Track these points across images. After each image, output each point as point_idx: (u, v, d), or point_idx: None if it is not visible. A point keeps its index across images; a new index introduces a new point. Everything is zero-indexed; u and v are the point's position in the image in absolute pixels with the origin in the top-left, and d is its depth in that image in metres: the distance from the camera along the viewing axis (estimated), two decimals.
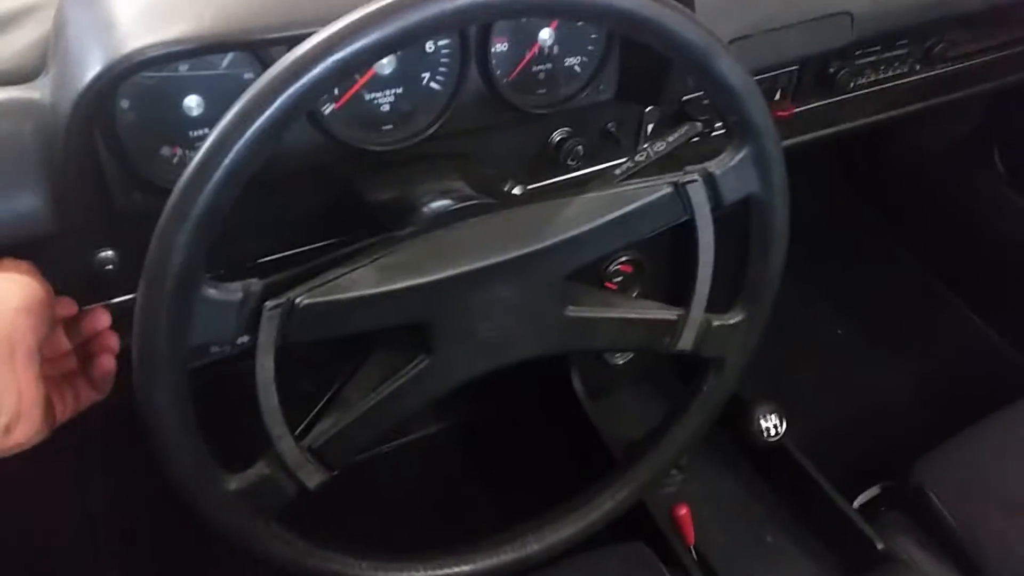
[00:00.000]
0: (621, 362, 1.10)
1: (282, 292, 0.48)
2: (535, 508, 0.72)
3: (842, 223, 1.60)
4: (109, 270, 0.59)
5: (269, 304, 0.47)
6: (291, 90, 0.41)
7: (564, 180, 0.76)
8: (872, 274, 1.55)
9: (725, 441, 1.10)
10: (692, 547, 1.00)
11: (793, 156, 0.85)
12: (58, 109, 0.50)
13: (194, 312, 0.45)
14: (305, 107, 0.43)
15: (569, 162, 0.74)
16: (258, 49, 0.54)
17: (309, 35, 0.44)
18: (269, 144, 0.42)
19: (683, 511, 0.99)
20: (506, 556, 0.64)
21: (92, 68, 0.48)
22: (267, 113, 0.42)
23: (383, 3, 0.42)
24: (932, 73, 0.99)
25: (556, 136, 0.73)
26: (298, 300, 0.48)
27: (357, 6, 0.44)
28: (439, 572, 0.61)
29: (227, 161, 0.41)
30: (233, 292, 0.46)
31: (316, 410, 0.54)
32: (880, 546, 0.96)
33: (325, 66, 0.42)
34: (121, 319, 0.63)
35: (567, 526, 0.67)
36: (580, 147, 0.74)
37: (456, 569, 0.62)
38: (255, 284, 0.47)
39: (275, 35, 0.53)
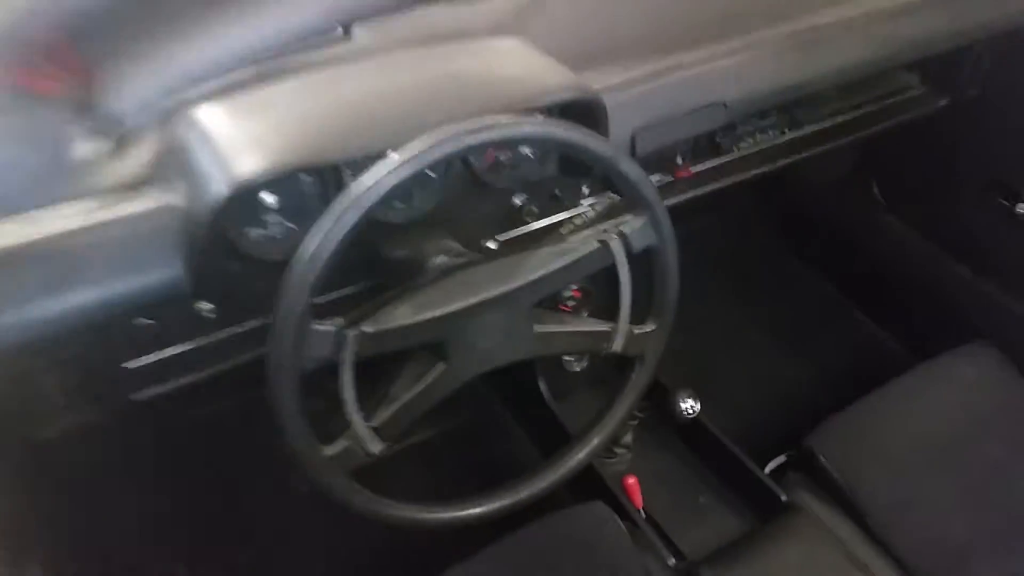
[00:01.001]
0: (578, 369, 1.34)
1: (354, 325, 0.72)
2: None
3: (755, 247, 1.87)
4: (210, 316, 0.84)
5: (350, 332, 0.72)
6: (367, 202, 0.66)
7: (525, 232, 1.00)
8: (779, 286, 1.82)
9: (660, 425, 1.35)
10: (641, 509, 1.24)
11: (712, 199, 1.10)
12: (194, 212, 0.73)
13: (306, 339, 0.69)
14: (373, 210, 0.67)
15: (527, 218, 0.99)
16: (325, 171, 0.79)
17: (363, 160, 0.70)
18: (351, 234, 0.67)
19: (631, 480, 1.24)
20: (506, 500, 0.88)
21: (222, 186, 0.70)
22: (352, 216, 0.66)
23: (419, 143, 0.68)
24: (797, 135, 1.26)
25: (517, 200, 0.98)
26: (365, 329, 0.72)
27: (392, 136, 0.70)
28: (461, 512, 0.86)
29: (331, 244, 0.66)
30: (327, 325, 0.71)
31: (375, 402, 0.79)
32: (784, 498, 1.19)
33: (386, 188, 0.67)
34: (216, 349, 0.87)
35: (545, 478, 0.91)
36: (535, 207, 0.99)
37: (472, 511, 0.86)
38: (339, 320, 0.72)
39: (343, 159, 0.77)
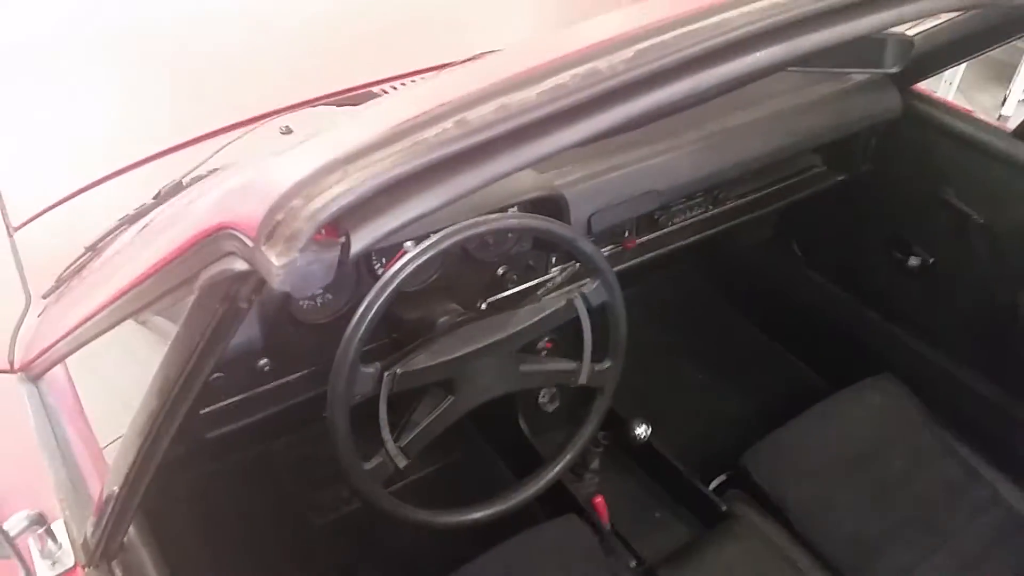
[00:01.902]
0: (551, 410, 1.56)
1: (390, 367, 0.96)
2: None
3: (696, 300, 2.11)
4: (267, 370, 1.06)
5: (386, 373, 0.95)
6: (397, 280, 0.90)
7: (508, 295, 1.24)
8: (717, 331, 2.05)
9: (621, 453, 1.57)
10: (608, 523, 1.45)
11: (658, 262, 1.32)
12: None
13: (356, 378, 0.92)
14: (401, 286, 0.91)
15: (508, 284, 1.23)
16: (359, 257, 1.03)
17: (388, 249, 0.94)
18: (386, 303, 0.91)
19: (599, 500, 1.45)
20: (498, 506, 1.11)
21: None
22: (388, 291, 0.90)
23: (434, 237, 0.92)
24: (720, 210, 1.52)
25: (500, 271, 1.22)
26: (397, 371, 0.96)
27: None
28: (463, 517, 1.08)
29: (372, 311, 0.90)
30: (370, 367, 0.94)
31: (400, 427, 1.01)
32: (724, 509, 1.40)
33: (409, 271, 0.91)
34: (271, 396, 1.08)
35: (530, 488, 1.14)
36: (514, 275, 1.23)
37: (471, 516, 1.09)
38: (377, 364, 0.95)
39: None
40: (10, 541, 0.69)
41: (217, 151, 1.06)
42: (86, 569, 0.74)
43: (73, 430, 0.86)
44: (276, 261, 0.44)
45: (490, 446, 1.63)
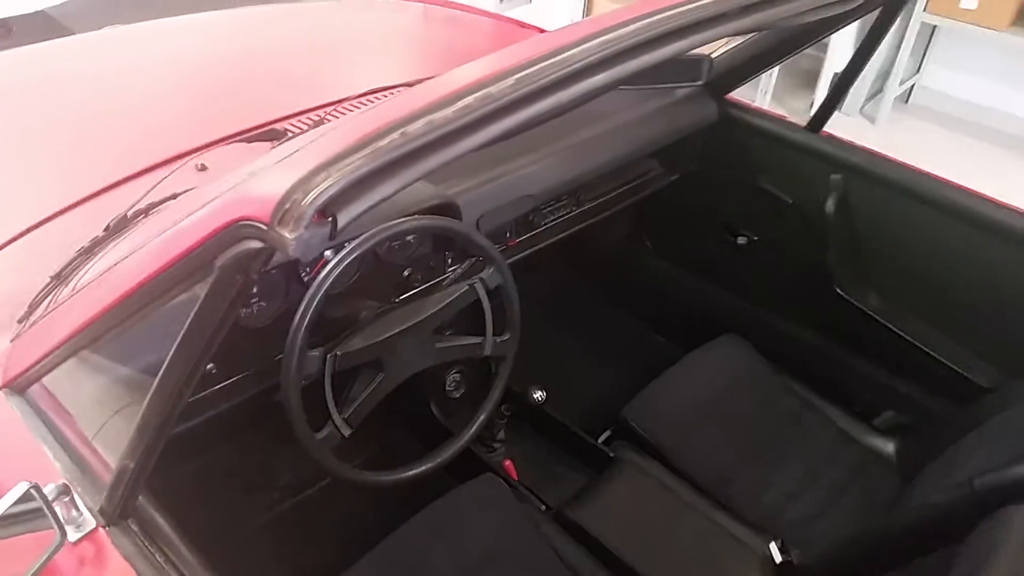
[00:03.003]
0: (458, 395, 1.76)
1: (331, 350, 1.15)
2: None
3: (570, 288, 2.38)
4: (213, 373, 1.22)
5: (328, 355, 1.14)
6: (326, 284, 1.10)
7: (416, 292, 1.43)
8: (590, 315, 2.32)
9: (522, 422, 1.80)
10: (517, 479, 1.68)
11: (530, 261, 1.57)
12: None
13: (303, 362, 1.11)
14: (330, 289, 1.11)
15: (414, 284, 1.43)
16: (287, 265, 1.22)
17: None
18: (320, 303, 1.10)
19: (508, 463, 1.68)
20: (428, 463, 1.31)
21: None
22: (320, 293, 1.10)
23: (353, 244, 1.13)
24: (581, 209, 1.79)
25: (406, 272, 1.41)
26: (338, 352, 1.16)
27: None
28: (398, 475, 1.28)
29: (311, 309, 1.09)
30: (316, 351, 1.13)
31: (342, 402, 1.21)
32: (612, 456, 1.63)
33: (334, 275, 1.11)
34: (218, 396, 1.24)
35: (454, 444, 1.36)
36: (419, 275, 1.43)
37: (404, 474, 1.29)
38: (321, 348, 1.15)
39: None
40: (49, 506, 0.84)
41: (155, 185, 1.23)
42: (108, 528, 0.90)
43: (65, 425, 1.01)
44: (289, 236, 0.64)
45: (406, 431, 1.82)
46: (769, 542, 1.47)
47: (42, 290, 1.10)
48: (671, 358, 1.83)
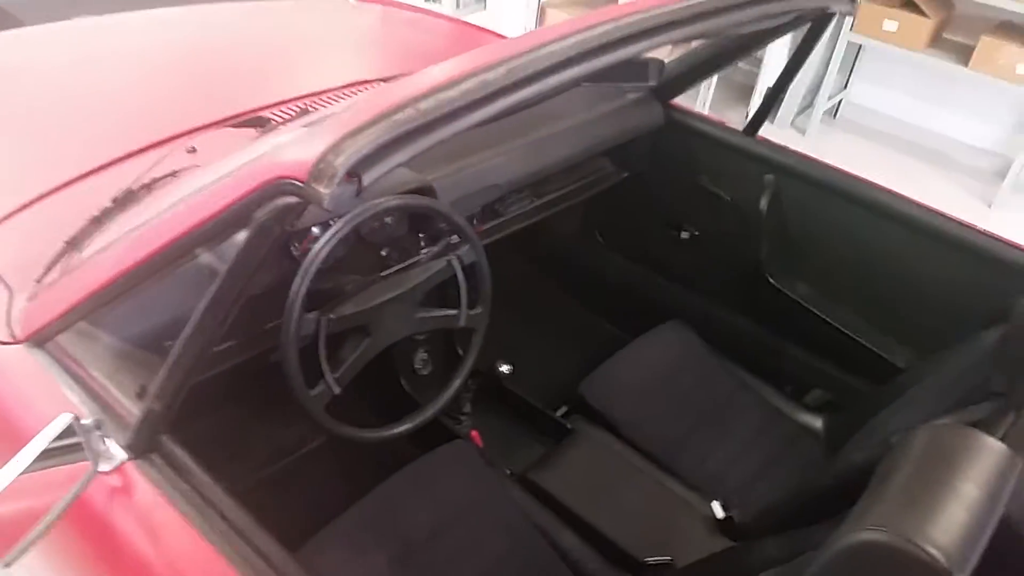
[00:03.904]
0: (426, 373, 1.86)
1: (325, 314, 1.27)
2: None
3: (528, 283, 2.51)
4: None
5: (323, 318, 1.26)
6: (321, 258, 1.21)
7: (394, 270, 1.53)
8: (547, 305, 2.46)
9: (487, 397, 1.93)
10: (483, 447, 1.80)
11: (492, 251, 1.70)
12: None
13: (301, 323, 1.23)
14: (324, 262, 1.22)
15: (389, 262, 1.53)
16: None
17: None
18: (313, 275, 1.21)
19: (475, 433, 1.80)
20: (408, 423, 1.43)
21: None
22: (315, 265, 1.21)
23: (343, 219, 1.24)
24: (541, 201, 1.93)
25: (383, 251, 1.52)
26: (331, 316, 1.27)
27: None
28: (383, 432, 1.40)
29: (306, 279, 1.20)
30: (312, 314, 1.24)
31: (333, 362, 1.31)
32: (569, 427, 1.78)
33: (328, 248, 1.22)
34: (214, 359, 1.33)
35: (433, 405, 1.48)
36: (395, 253, 1.54)
37: (392, 431, 1.40)
38: (316, 312, 1.26)
39: None
40: (87, 436, 0.93)
41: (155, 163, 1.33)
42: (136, 460, 1.00)
43: (84, 374, 1.10)
44: (324, 190, 0.76)
45: (381, 406, 1.91)
46: (711, 501, 1.63)
47: (58, 254, 1.19)
48: (621, 342, 1.98)
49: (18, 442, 0.96)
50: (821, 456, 1.83)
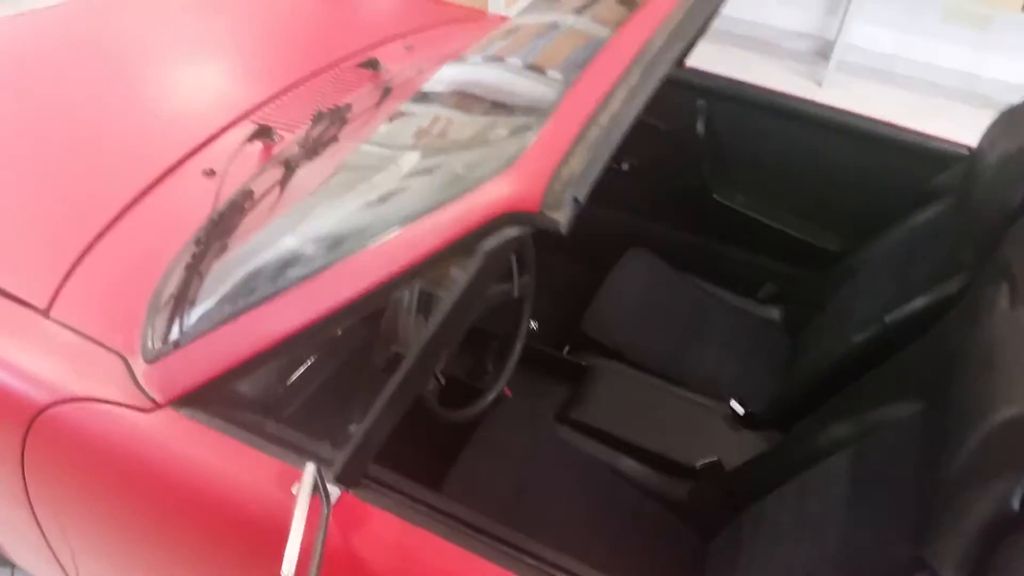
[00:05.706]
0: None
1: None
2: None
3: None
4: None
5: None
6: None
7: None
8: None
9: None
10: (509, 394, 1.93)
11: None
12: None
13: None
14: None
15: None
16: None
17: None
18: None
19: (506, 391, 1.93)
20: (488, 396, 1.53)
21: None
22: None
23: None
24: None
25: None
26: None
27: None
28: (470, 412, 1.49)
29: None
30: None
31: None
32: (584, 363, 1.93)
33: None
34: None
35: (501, 381, 1.58)
36: None
37: (474, 409, 1.50)
38: None
39: None
40: (321, 480, 0.97)
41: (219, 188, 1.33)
42: (351, 490, 1.03)
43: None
44: (560, 218, 0.84)
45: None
46: (728, 400, 1.86)
47: (172, 311, 1.16)
48: (589, 278, 2.15)
49: (201, 493, 1.00)
50: (785, 341, 2.10)
